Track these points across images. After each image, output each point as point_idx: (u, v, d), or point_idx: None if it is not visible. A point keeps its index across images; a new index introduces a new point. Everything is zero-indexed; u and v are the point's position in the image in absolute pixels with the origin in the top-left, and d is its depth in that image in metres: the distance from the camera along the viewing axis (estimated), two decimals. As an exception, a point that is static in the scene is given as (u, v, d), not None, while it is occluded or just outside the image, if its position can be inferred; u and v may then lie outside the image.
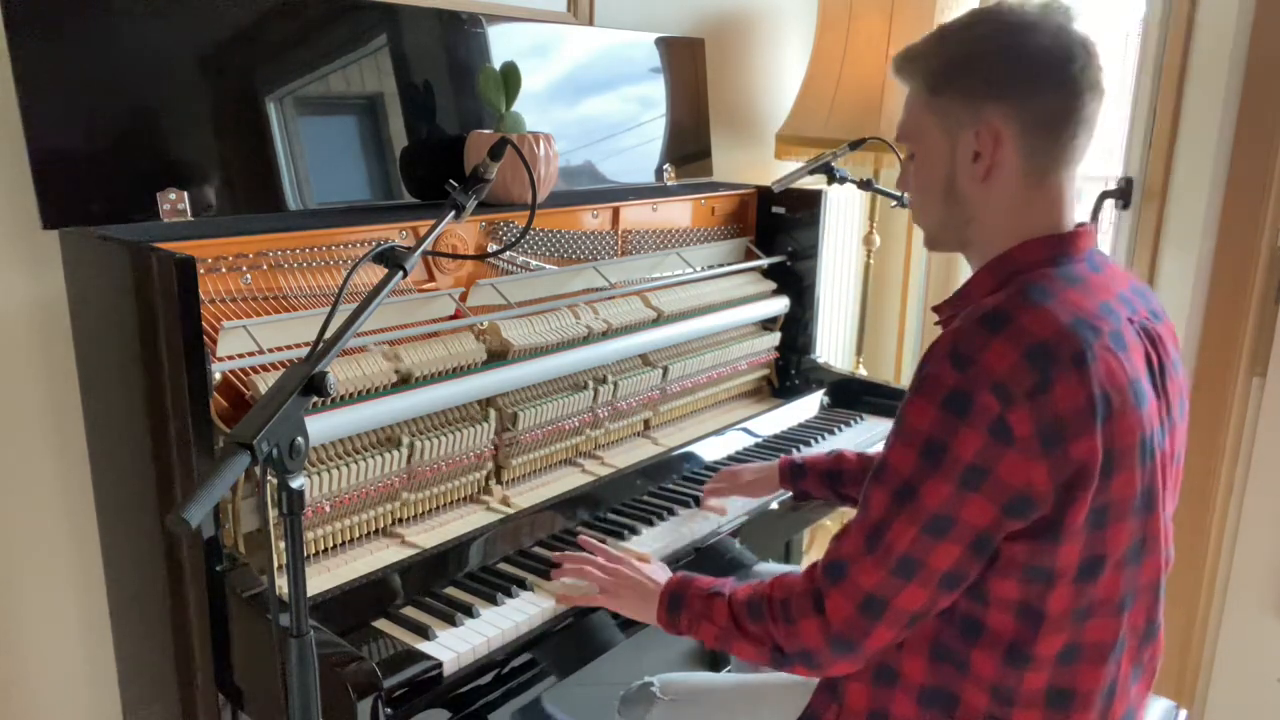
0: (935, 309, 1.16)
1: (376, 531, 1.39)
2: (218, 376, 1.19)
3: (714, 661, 2.10)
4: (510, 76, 1.63)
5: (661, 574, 1.27)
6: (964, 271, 2.87)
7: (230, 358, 1.22)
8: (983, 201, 1.07)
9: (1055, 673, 1.04)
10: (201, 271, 1.14)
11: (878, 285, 2.91)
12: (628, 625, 1.35)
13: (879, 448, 1.88)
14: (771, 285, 2.06)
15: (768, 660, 1.12)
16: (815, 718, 1.20)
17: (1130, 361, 1.00)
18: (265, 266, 1.30)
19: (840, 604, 1.04)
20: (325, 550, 1.33)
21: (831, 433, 1.92)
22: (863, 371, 2.53)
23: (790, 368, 2.14)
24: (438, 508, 1.47)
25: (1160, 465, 1.03)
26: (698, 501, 1.59)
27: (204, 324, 1.12)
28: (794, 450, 1.83)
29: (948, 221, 1.11)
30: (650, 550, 1.43)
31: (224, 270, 1.26)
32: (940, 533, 0.98)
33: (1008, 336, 0.95)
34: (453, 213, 1.16)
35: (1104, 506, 0.98)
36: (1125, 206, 2.25)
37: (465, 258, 1.54)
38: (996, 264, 1.08)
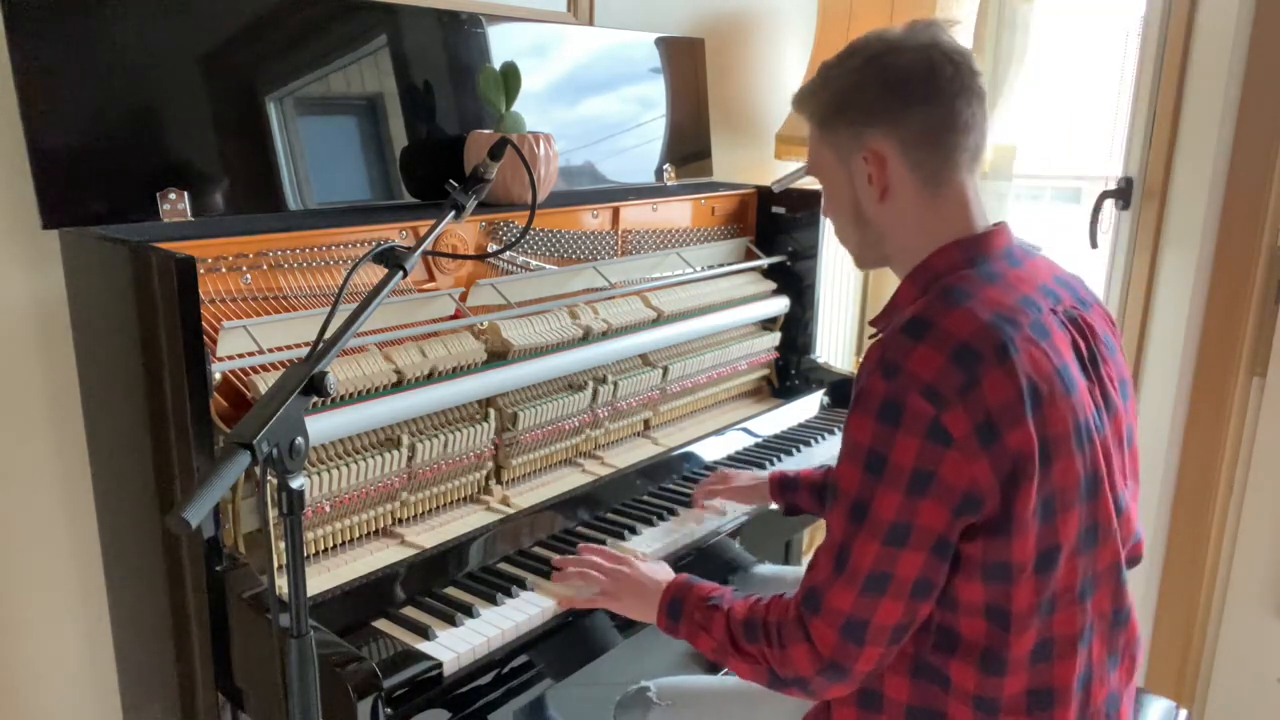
0: (872, 323, 1.19)
1: (376, 531, 1.39)
2: (218, 376, 1.19)
3: (712, 664, 2.10)
4: (510, 76, 1.63)
5: (662, 574, 1.27)
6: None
7: (230, 358, 1.22)
8: (888, 219, 1.12)
9: (1031, 674, 1.04)
10: (201, 271, 1.14)
11: (878, 285, 2.91)
12: (627, 626, 1.35)
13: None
14: (771, 285, 2.06)
15: (764, 681, 1.12)
16: None
17: (1055, 350, 1.02)
18: (265, 266, 1.30)
19: (824, 631, 1.04)
20: (325, 550, 1.33)
21: (831, 432, 1.92)
22: (863, 371, 2.53)
23: (790, 368, 2.14)
24: (438, 508, 1.47)
25: (1101, 450, 1.05)
26: (692, 501, 1.59)
27: (204, 324, 1.12)
28: (794, 450, 1.83)
29: (864, 241, 1.17)
30: (650, 550, 1.43)
31: (224, 270, 1.26)
32: (900, 542, 0.99)
33: (931, 341, 0.98)
34: (453, 213, 1.16)
35: (1050, 497, 1.00)
36: (1125, 206, 2.25)
37: (465, 258, 1.54)
38: (917, 272, 1.11)
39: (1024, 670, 1.04)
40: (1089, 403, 1.04)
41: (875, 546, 0.99)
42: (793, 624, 1.08)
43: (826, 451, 1.85)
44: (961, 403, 0.95)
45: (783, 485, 1.53)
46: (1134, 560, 1.16)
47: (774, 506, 1.59)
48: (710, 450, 1.78)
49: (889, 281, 2.92)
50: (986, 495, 0.97)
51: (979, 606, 1.02)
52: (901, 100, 1.07)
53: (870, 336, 1.17)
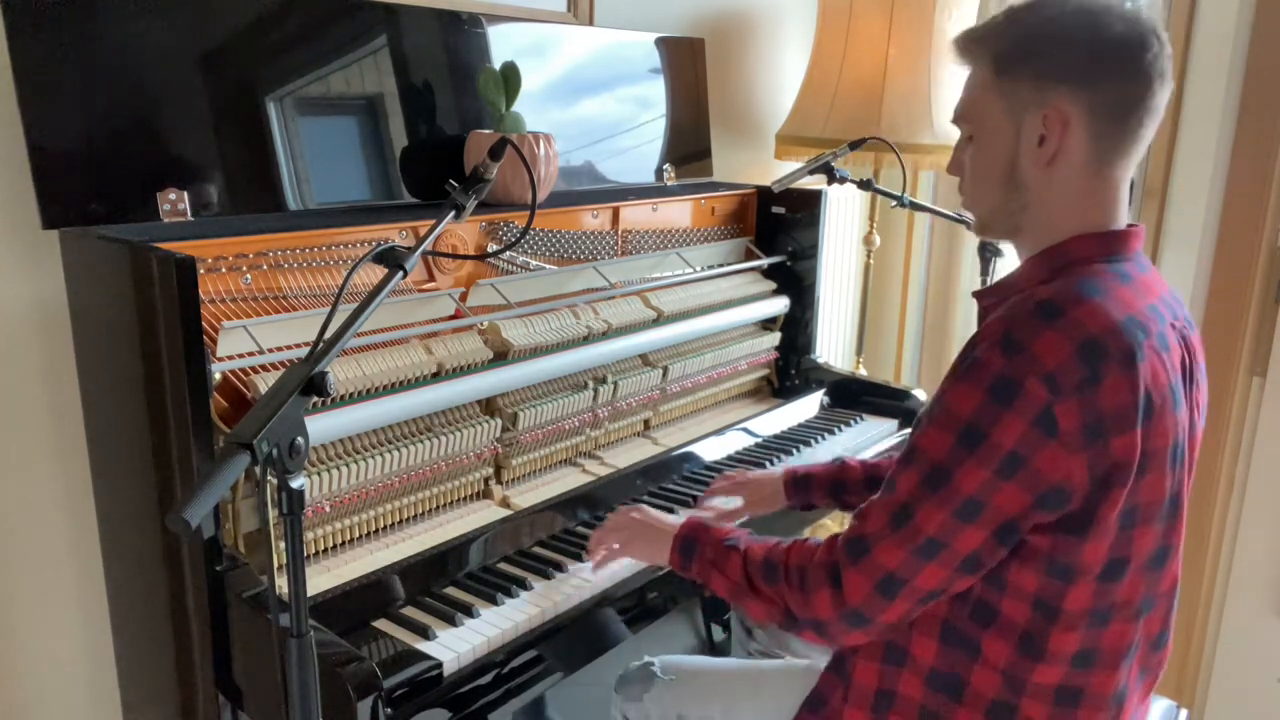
0: (977, 295, 1.15)
1: (377, 531, 1.39)
2: (218, 376, 1.19)
3: (713, 651, 2.10)
4: (510, 76, 1.63)
5: (674, 519, 1.28)
6: (965, 271, 2.86)
7: (230, 358, 1.22)
8: (1043, 188, 1.06)
9: (1070, 673, 1.04)
10: (201, 271, 1.14)
11: (878, 285, 2.90)
12: (628, 625, 1.35)
13: (879, 449, 1.89)
14: (771, 285, 2.06)
15: (779, 620, 1.12)
16: (823, 698, 1.20)
17: (1172, 364, 1.00)
18: (265, 266, 1.30)
19: (858, 581, 1.03)
20: (325, 550, 1.33)
21: (831, 433, 1.92)
22: (863, 371, 2.53)
23: (790, 368, 2.14)
24: (438, 508, 1.47)
25: (1186, 472, 1.04)
26: (697, 501, 1.59)
27: (204, 324, 1.12)
28: (794, 450, 1.83)
29: (1003, 207, 1.09)
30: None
31: (224, 270, 1.26)
32: (969, 517, 0.98)
33: (1061, 328, 0.95)
34: (453, 213, 1.16)
35: (1133, 508, 0.99)
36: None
37: (465, 258, 1.54)
38: (1049, 254, 1.06)
39: (1063, 666, 1.03)
40: (1186, 423, 1.03)
41: (944, 515, 0.98)
42: (820, 567, 1.07)
43: (827, 451, 1.85)
44: (1077, 397, 0.93)
45: (796, 484, 1.52)
46: None
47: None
48: (710, 450, 1.78)
49: (889, 283, 2.92)
50: (1075, 492, 0.95)
51: (1028, 594, 1.02)
52: (1104, 65, 1.00)
53: (980, 308, 1.13)
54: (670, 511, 1.55)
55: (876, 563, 1.02)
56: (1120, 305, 0.98)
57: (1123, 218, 1.07)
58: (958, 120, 1.12)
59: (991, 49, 1.06)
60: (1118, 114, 1.02)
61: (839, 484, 1.48)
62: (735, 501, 1.57)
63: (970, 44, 1.08)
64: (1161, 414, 0.97)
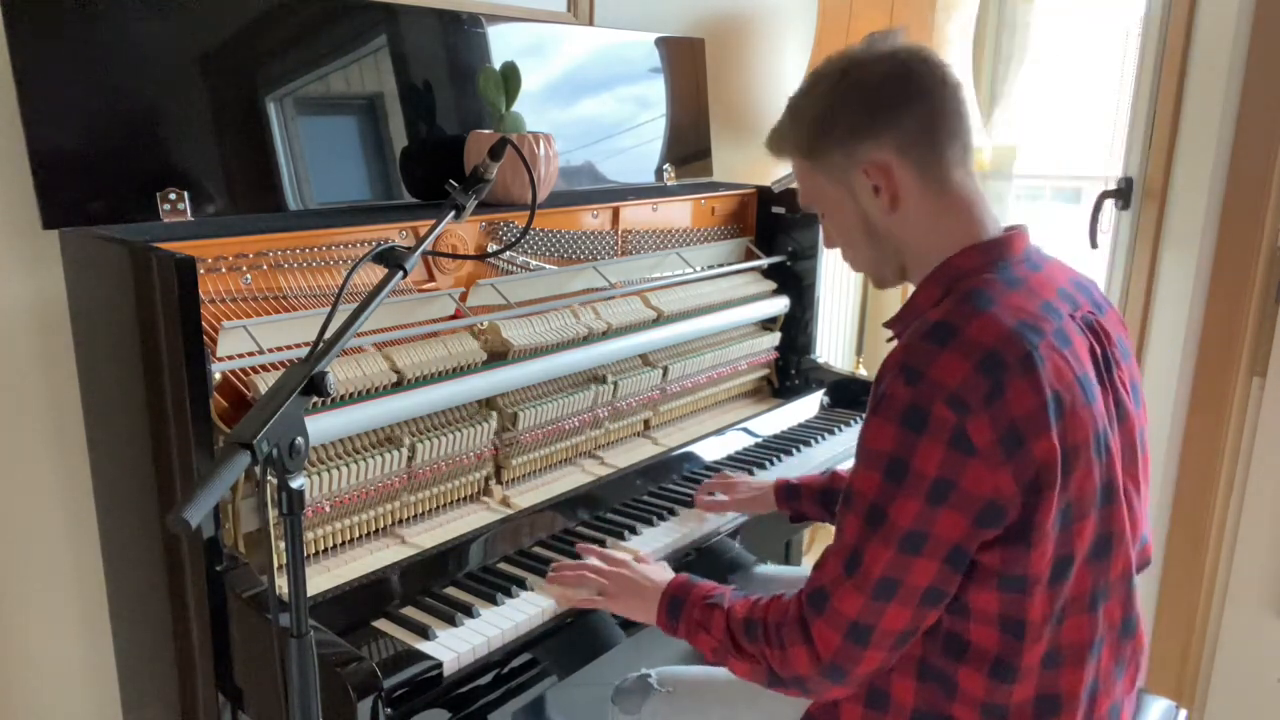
0: (887, 324, 1.17)
1: (376, 531, 1.39)
2: (218, 376, 1.19)
3: (714, 661, 2.10)
4: (510, 76, 1.63)
5: (661, 574, 1.27)
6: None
7: (230, 358, 1.22)
8: (902, 228, 1.10)
9: (1041, 680, 1.04)
10: (201, 271, 1.14)
11: (878, 285, 2.90)
12: (629, 625, 1.35)
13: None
14: (771, 285, 2.06)
15: (764, 681, 1.12)
16: None
17: (1076, 358, 1.01)
18: (265, 266, 1.30)
19: (827, 633, 1.04)
20: (325, 550, 1.33)
21: (831, 433, 1.92)
22: (863, 371, 2.53)
23: (790, 368, 2.14)
24: (438, 508, 1.47)
25: (1115, 457, 1.04)
26: (694, 500, 1.59)
27: (204, 324, 1.12)
28: (794, 450, 1.83)
29: (880, 258, 1.15)
30: (650, 550, 1.43)
31: (224, 270, 1.26)
32: (915, 550, 0.98)
33: (955, 347, 0.97)
34: (453, 213, 1.16)
35: (1068, 506, 1.00)
36: (1125, 206, 2.25)
37: (465, 258, 1.54)
38: (939, 273, 1.10)
39: (1034, 677, 1.04)
40: (1105, 411, 1.04)
41: (889, 553, 0.99)
42: (793, 624, 1.07)
43: (826, 451, 1.85)
44: (986, 411, 0.94)
45: (787, 494, 1.52)
46: (1143, 564, 1.15)
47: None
48: (710, 450, 1.78)
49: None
50: (1008, 504, 0.96)
51: (992, 616, 1.02)
52: (886, 107, 1.07)
53: (888, 340, 1.15)
54: (670, 513, 1.55)
55: (838, 611, 1.03)
56: (1011, 312, 1.00)
57: (989, 219, 1.10)
58: (805, 206, 1.19)
59: (792, 144, 1.15)
60: (925, 137, 1.07)
61: (829, 494, 1.48)
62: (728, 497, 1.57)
63: (777, 147, 1.17)
64: (1074, 410, 0.98)
